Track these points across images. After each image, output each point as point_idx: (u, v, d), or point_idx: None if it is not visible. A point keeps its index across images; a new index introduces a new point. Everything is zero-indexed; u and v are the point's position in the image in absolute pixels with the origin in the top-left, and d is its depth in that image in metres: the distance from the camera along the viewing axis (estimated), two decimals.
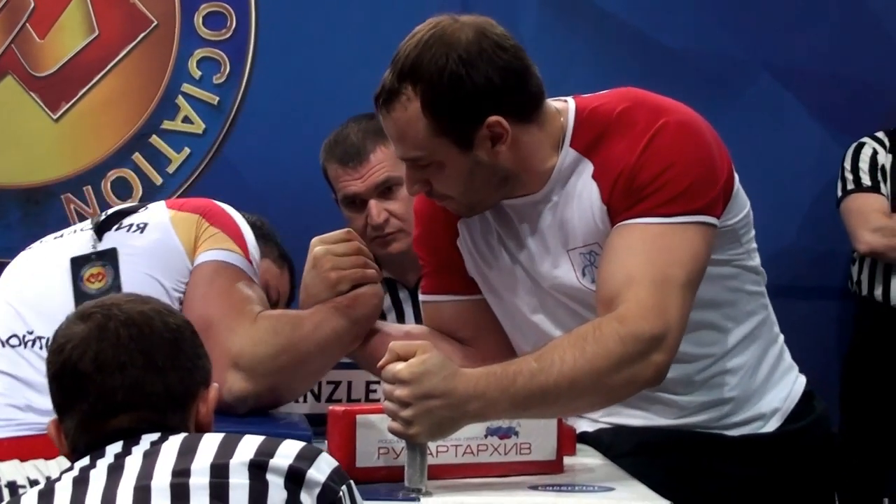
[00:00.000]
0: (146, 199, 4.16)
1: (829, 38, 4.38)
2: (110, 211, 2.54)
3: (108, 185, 4.19)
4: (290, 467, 1.76)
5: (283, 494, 1.75)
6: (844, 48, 4.38)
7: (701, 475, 2.43)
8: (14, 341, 2.36)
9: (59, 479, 1.80)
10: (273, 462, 1.76)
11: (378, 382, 2.64)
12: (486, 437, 2.20)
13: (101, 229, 2.47)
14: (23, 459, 2.18)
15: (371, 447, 2.15)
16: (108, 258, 2.40)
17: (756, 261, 2.49)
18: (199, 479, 1.74)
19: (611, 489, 2.14)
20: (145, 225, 2.47)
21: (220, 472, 1.75)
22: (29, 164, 4.19)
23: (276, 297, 3.00)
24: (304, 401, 2.68)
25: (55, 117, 4.18)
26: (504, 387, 2.12)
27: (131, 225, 2.47)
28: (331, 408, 2.21)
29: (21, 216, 4.19)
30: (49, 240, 2.54)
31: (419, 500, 2.05)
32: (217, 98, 4.22)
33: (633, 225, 2.29)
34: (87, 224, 2.51)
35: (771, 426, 2.49)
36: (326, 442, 2.20)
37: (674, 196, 2.29)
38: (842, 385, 4.21)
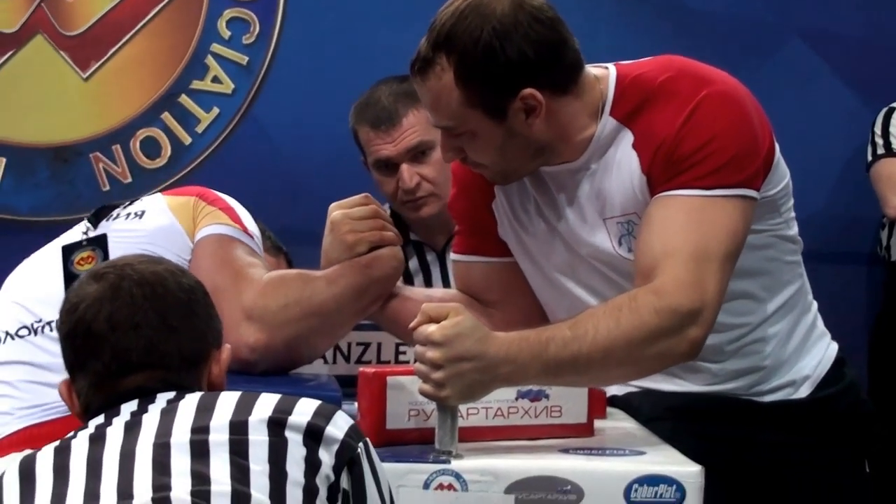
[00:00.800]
0: (175, 158, 4.19)
1: (860, 2, 4.35)
2: (104, 205, 2.56)
3: (137, 144, 4.20)
4: (309, 424, 1.77)
5: (303, 451, 1.76)
6: (875, 12, 4.35)
7: (731, 441, 2.43)
8: (24, 332, 2.38)
9: (74, 436, 1.80)
10: (291, 419, 1.77)
11: (406, 344, 2.65)
12: (516, 399, 2.19)
13: (95, 220, 2.49)
14: None
15: (402, 409, 2.15)
16: (98, 242, 2.42)
17: (794, 230, 2.47)
18: (219, 436, 1.75)
19: (642, 453, 2.13)
20: (143, 212, 2.49)
21: (238, 428, 1.76)
22: (58, 122, 4.19)
23: None
24: (334, 362, 2.69)
25: (85, 76, 4.18)
26: (536, 353, 2.11)
27: (129, 214, 2.49)
28: (361, 369, 2.21)
29: (50, 175, 4.19)
30: (51, 244, 2.56)
31: (450, 462, 2.05)
32: (246, 58, 4.21)
33: (673, 197, 2.28)
34: (84, 221, 2.53)
35: (802, 393, 2.48)
36: (356, 403, 2.20)
37: (715, 169, 2.27)
38: (870, 351, 4.20)
